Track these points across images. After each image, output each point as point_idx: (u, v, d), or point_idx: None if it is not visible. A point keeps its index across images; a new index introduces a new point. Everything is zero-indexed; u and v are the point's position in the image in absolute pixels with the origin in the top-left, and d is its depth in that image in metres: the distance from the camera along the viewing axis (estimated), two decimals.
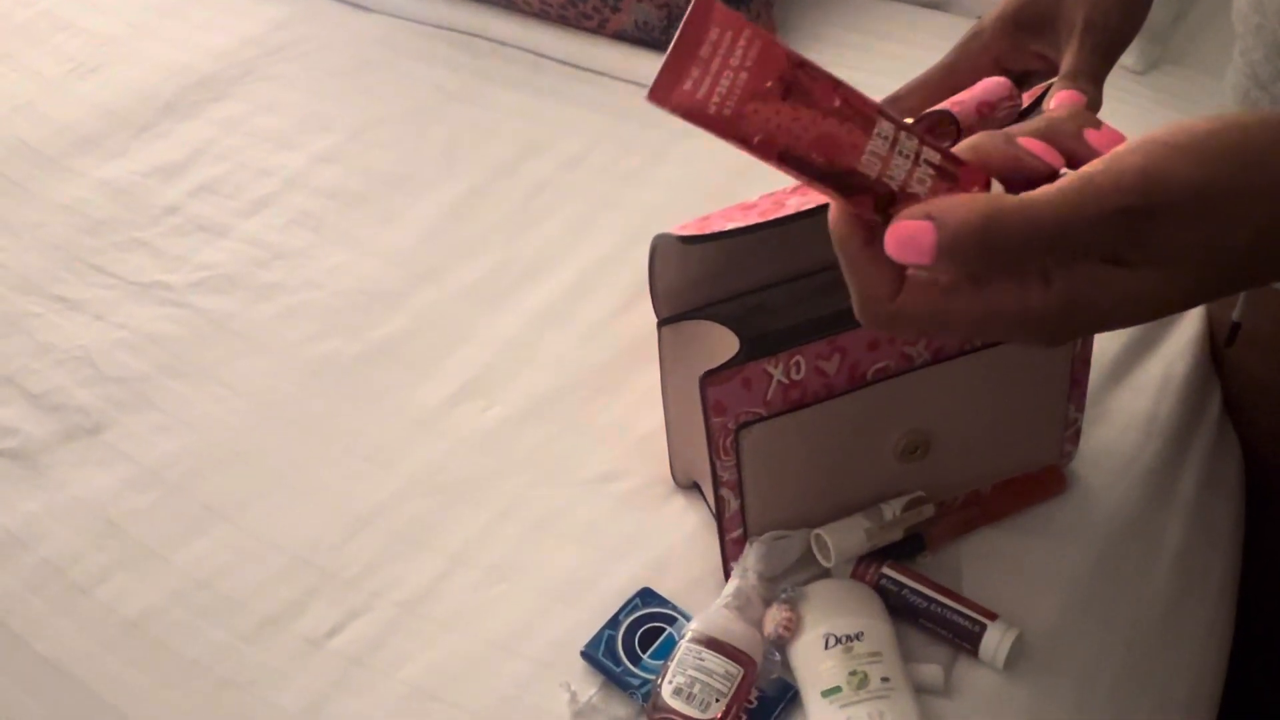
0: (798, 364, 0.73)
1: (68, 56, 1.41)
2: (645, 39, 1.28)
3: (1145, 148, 0.40)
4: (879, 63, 1.18)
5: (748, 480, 0.76)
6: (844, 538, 0.77)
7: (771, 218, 0.68)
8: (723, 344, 0.74)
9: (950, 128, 0.66)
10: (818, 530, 0.78)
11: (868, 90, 0.42)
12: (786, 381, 0.73)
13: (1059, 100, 0.64)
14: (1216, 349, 0.96)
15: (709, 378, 0.72)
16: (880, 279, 0.42)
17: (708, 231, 0.70)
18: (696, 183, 1.14)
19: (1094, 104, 0.64)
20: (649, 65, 1.26)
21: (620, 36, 1.29)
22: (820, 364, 0.73)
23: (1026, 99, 0.70)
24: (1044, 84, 0.71)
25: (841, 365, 0.74)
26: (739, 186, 1.12)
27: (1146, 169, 0.40)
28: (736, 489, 0.77)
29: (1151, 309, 0.42)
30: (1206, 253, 0.41)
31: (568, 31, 1.32)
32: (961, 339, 0.62)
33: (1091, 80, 0.65)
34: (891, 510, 0.78)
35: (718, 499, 0.77)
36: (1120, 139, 0.44)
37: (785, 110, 0.41)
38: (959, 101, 0.67)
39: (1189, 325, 0.96)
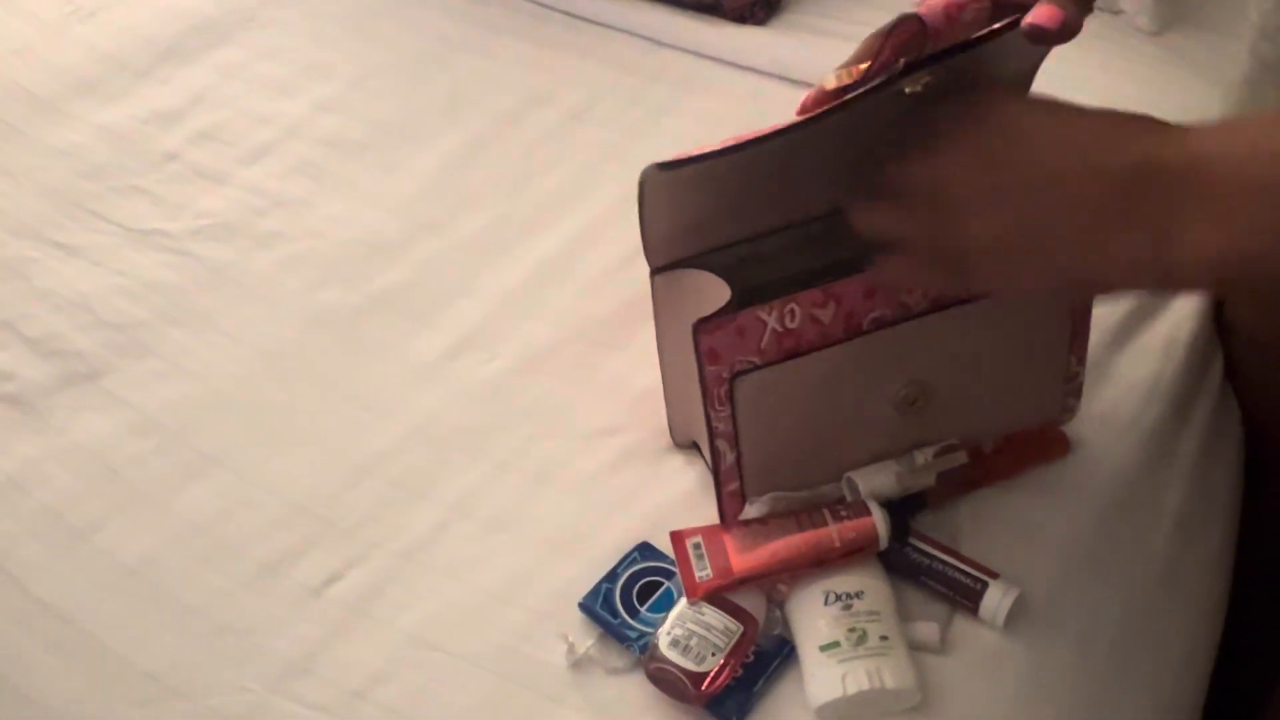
0: (792, 311, 0.72)
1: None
2: None
3: None
4: None
5: (744, 431, 0.76)
6: (873, 479, 0.77)
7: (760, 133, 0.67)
8: (716, 294, 0.73)
9: (915, 26, 0.64)
10: (849, 474, 0.78)
11: None
12: (781, 329, 0.72)
13: (1036, 13, 0.62)
14: (1220, 311, 0.96)
15: (702, 325, 0.71)
16: None
17: (691, 154, 0.69)
18: (702, 136, 1.11)
19: (1072, 23, 0.62)
20: (654, 17, 1.25)
21: None
22: (815, 312, 0.72)
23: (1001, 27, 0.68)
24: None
25: (837, 314, 0.73)
26: None
27: None
28: (732, 440, 0.76)
29: None
30: None
31: None
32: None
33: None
34: (924, 455, 0.78)
35: (713, 451, 0.77)
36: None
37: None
38: (927, 4, 0.65)
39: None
